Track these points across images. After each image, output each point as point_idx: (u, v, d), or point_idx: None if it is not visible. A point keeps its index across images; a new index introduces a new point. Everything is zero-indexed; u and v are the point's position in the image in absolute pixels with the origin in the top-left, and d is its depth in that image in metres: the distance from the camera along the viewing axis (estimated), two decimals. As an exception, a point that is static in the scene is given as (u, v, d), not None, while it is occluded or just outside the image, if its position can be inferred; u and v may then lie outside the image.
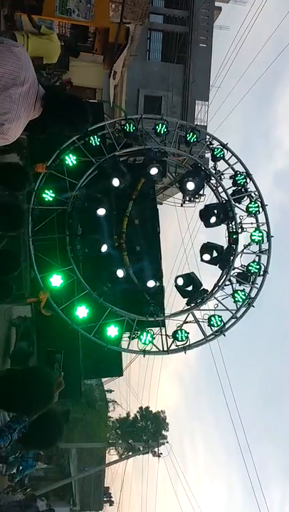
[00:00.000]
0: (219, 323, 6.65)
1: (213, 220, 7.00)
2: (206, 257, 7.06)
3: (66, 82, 8.89)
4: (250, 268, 6.92)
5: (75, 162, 6.75)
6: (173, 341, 6.66)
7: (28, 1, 6.72)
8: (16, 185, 4.35)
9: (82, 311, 6.43)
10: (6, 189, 3.96)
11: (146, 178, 7.22)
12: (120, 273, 6.72)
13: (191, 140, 7.16)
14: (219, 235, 7.40)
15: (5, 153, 8.08)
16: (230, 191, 7.19)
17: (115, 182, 6.74)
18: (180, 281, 6.95)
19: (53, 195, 6.65)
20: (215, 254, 7.04)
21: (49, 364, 4.23)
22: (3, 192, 4.28)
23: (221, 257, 7.04)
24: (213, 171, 7.23)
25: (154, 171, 6.88)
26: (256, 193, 7.17)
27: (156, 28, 18.63)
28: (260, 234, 6.99)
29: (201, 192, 7.72)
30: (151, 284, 6.91)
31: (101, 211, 6.76)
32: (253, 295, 6.92)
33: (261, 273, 6.95)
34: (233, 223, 7.11)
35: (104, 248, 6.71)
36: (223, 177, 7.28)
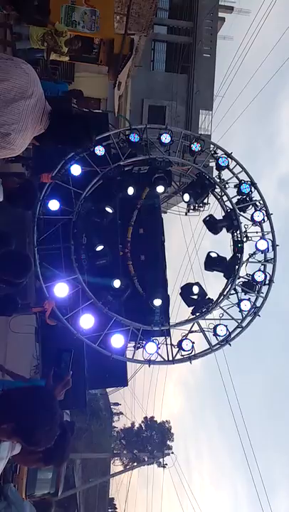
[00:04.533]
0: (225, 332, 6.62)
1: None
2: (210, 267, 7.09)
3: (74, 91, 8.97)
4: (255, 277, 6.90)
5: (80, 172, 6.79)
6: (178, 351, 6.63)
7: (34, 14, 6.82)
8: (26, 205, 4.39)
9: (87, 321, 6.43)
10: (17, 208, 4.03)
11: (151, 187, 7.26)
12: (117, 283, 6.67)
13: (196, 149, 7.20)
14: (224, 244, 7.42)
15: (10, 162, 8.16)
16: (234, 200, 7.20)
17: (130, 191, 6.81)
18: (196, 290, 6.92)
19: (58, 204, 6.68)
20: (219, 265, 7.05)
21: (56, 363, 4.22)
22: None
23: (226, 266, 7.04)
24: (218, 180, 7.26)
25: (160, 189, 7.01)
26: (261, 202, 7.18)
27: (160, 39, 18.84)
28: (266, 243, 6.99)
29: (205, 201, 7.76)
30: (158, 302, 6.89)
31: (105, 220, 6.79)
32: (258, 304, 6.89)
33: (267, 282, 6.94)
34: (238, 232, 7.11)
35: (102, 249, 6.69)
36: (227, 186, 7.30)
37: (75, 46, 8.51)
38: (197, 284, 7.05)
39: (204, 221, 7.34)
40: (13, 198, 3.80)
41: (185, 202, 7.43)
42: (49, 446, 2.33)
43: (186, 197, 7.28)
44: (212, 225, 7.25)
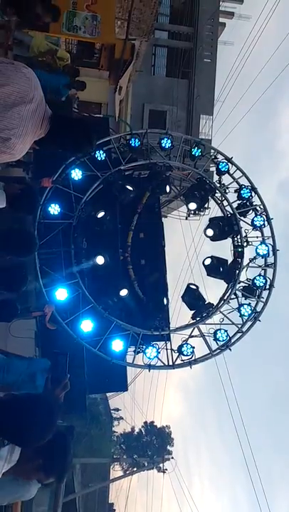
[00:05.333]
0: (225, 337, 6.60)
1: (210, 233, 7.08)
2: (211, 269, 7.07)
3: (72, 96, 8.96)
4: (255, 282, 6.89)
5: (80, 176, 6.80)
6: (178, 356, 6.61)
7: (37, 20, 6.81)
8: (28, 209, 4.33)
9: (87, 325, 6.41)
10: (18, 213, 4.01)
11: (151, 192, 7.27)
12: (124, 292, 6.70)
13: (196, 154, 7.21)
14: (224, 249, 7.41)
15: (11, 167, 8.14)
16: (235, 205, 7.20)
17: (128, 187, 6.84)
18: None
19: (59, 209, 6.69)
20: (220, 268, 7.04)
21: (53, 367, 4.21)
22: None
23: (226, 270, 7.03)
24: (218, 185, 7.26)
25: (168, 188, 7.01)
26: (261, 207, 7.18)
27: (161, 44, 18.91)
28: (266, 247, 6.98)
29: (205, 205, 7.75)
30: (165, 301, 6.91)
31: (106, 225, 6.80)
32: (259, 309, 6.88)
33: (267, 287, 6.93)
34: (238, 237, 7.11)
35: (101, 260, 6.70)
36: (228, 191, 7.30)
37: (71, 73, 8.52)
38: (192, 284, 7.08)
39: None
40: (15, 203, 3.80)
41: (191, 210, 7.42)
42: (49, 453, 2.30)
43: (193, 205, 7.26)
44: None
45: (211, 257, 7.12)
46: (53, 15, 7.34)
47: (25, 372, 4.76)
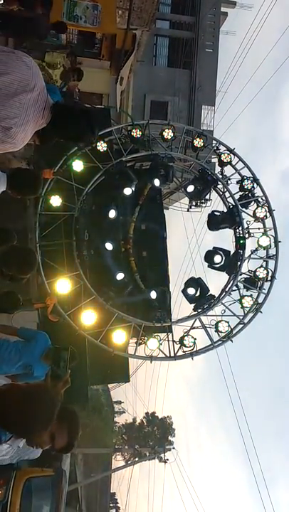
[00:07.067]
0: (226, 328, 6.61)
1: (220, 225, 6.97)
2: (216, 260, 7.04)
3: (73, 87, 8.78)
4: (257, 273, 6.88)
5: (82, 168, 6.77)
6: (180, 347, 6.62)
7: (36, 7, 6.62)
8: (29, 188, 4.20)
9: (89, 317, 6.42)
10: (19, 193, 3.89)
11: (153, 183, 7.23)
12: (120, 276, 6.69)
13: (198, 145, 7.16)
14: (226, 240, 7.40)
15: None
16: (237, 196, 7.17)
17: (127, 191, 6.78)
18: (191, 291, 6.92)
19: (60, 200, 6.67)
20: (223, 259, 7.01)
21: (55, 362, 4.17)
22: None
23: (228, 262, 7.01)
24: (220, 176, 7.22)
25: (156, 182, 6.91)
26: (263, 198, 7.15)
27: (162, 34, 18.73)
28: (268, 239, 6.96)
29: (207, 197, 7.71)
30: (153, 295, 6.86)
31: (109, 215, 6.78)
32: (260, 301, 6.88)
33: (269, 278, 6.92)
34: (240, 228, 7.08)
35: (109, 246, 6.67)
36: (230, 182, 7.26)
37: (72, 79, 7.57)
38: (198, 279, 7.05)
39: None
40: (17, 182, 3.65)
41: (188, 193, 7.31)
42: None
43: (190, 188, 7.16)
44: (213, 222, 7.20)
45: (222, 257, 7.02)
46: (44, 7, 7.10)
47: (17, 365, 4.66)
